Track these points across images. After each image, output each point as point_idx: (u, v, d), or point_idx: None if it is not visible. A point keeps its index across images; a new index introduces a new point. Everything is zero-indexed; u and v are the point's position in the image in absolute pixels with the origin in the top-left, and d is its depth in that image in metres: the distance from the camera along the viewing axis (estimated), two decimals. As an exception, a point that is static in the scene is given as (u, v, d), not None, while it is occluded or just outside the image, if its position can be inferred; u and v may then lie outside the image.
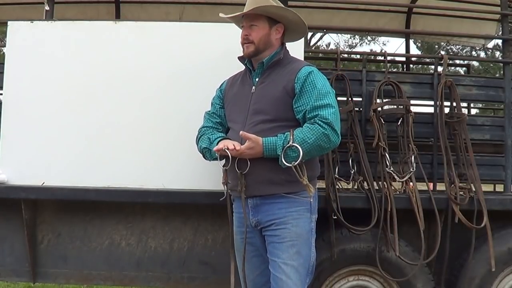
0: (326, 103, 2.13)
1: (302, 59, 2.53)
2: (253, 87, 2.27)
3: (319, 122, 2.08)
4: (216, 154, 2.17)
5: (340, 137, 2.16)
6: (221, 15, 2.38)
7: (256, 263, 2.29)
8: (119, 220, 2.83)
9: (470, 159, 2.80)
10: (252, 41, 2.25)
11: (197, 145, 2.40)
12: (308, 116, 2.13)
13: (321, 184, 2.69)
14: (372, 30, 5.92)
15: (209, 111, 2.45)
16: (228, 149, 2.09)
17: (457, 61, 11.13)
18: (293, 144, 2.04)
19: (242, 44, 2.29)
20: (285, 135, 2.08)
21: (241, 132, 2.07)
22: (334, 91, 2.27)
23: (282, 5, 2.29)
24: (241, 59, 2.36)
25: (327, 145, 2.10)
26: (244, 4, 2.27)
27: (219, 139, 2.25)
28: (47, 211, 2.83)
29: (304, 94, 2.15)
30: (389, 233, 2.62)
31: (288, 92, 2.18)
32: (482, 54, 14.03)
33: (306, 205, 2.20)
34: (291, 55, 2.37)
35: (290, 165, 2.04)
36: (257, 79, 2.28)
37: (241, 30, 2.33)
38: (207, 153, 2.32)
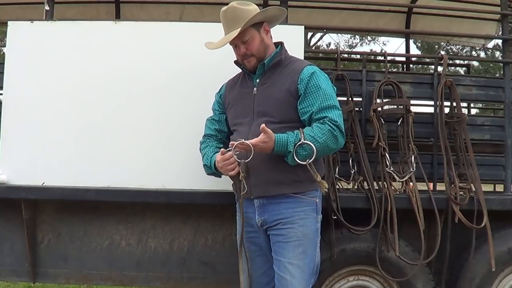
0: (332, 104, 2.14)
1: (302, 58, 2.52)
2: (255, 88, 2.26)
3: (329, 123, 2.08)
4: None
5: (345, 139, 2.17)
6: (207, 45, 2.33)
7: (259, 263, 2.29)
8: (119, 220, 2.83)
9: (470, 159, 2.80)
10: (252, 54, 2.23)
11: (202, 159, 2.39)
12: (315, 118, 2.13)
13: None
14: (372, 30, 5.93)
15: (210, 117, 2.46)
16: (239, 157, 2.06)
17: (457, 61, 11.14)
18: (305, 141, 2.03)
19: (242, 60, 2.27)
20: (295, 133, 2.07)
21: (262, 125, 2.01)
22: (336, 88, 2.28)
23: (256, 7, 2.25)
24: (237, 63, 2.34)
25: (335, 146, 2.11)
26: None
27: (212, 159, 2.23)
28: (47, 211, 2.83)
29: (309, 95, 2.15)
30: (389, 233, 2.62)
31: (292, 94, 2.18)
32: (482, 54, 14.04)
33: (312, 205, 2.20)
34: (292, 55, 2.36)
35: (305, 163, 2.03)
36: (257, 80, 2.27)
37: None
38: (216, 175, 2.32)
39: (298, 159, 2.04)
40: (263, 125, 2.01)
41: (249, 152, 2.02)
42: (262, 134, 2.01)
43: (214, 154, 2.26)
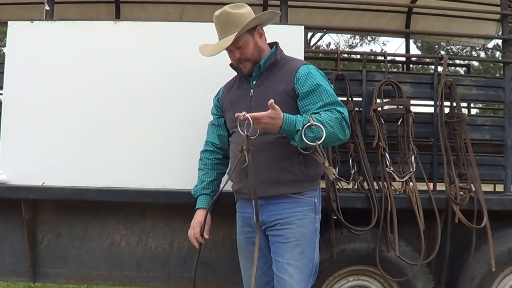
0: (335, 100, 2.11)
1: (303, 59, 2.52)
2: (251, 90, 2.25)
3: (337, 113, 2.05)
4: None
5: (350, 134, 2.14)
6: (201, 50, 2.33)
7: (259, 263, 2.27)
8: (119, 220, 2.83)
9: (470, 159, 2.80)
10: (247, 58, 2.21)
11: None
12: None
13: (321, 184, 2.69)
14: (372, 30, 5.93)
15: (210, 121, 2.46)
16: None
17: (457, 61, 11.15)
18: (315, 123, 1.96)
19: (237, 65, 2.25)
20: (303, 116, 2.02)
21: (270, 100, 1.93)
22: (332, 87, 2.27)
23: (249, 9, 2.24)
24: (233, 66, 2.33)
25: (342, 136, 2.06)
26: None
27: (199, 200, 2.41)
28: (47, 211, 2.83)
29: (310, 94, 2.11)
30: (389, 233, 2.62)
31: (289, 94, 2.16)
32: (482, 54, 14.05)
33: (310, 205, 2.19)
34: (292, 55, 2.35)
35: (314, 143, 1.95)
36: (254, 82, 2.26)
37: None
38: None
39: (307, 140, 1.96)
40: (272, 100, 1.94)
41: (252, 127, 1.94)
42: (270, 110, 1.94)
43: (201, 194, 2.41)
